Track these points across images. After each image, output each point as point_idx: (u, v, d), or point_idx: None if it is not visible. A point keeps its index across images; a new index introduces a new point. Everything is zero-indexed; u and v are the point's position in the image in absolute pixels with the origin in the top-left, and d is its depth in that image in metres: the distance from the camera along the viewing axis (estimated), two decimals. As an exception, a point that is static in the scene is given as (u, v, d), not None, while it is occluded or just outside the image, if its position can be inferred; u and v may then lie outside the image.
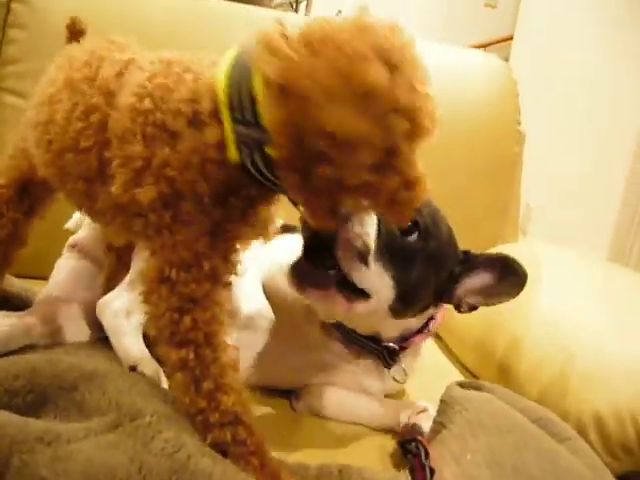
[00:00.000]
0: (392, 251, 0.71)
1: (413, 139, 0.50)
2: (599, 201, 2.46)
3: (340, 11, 3.48)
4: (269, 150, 0.51)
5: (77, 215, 0.93)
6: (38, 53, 1.12)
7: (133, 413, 0.60)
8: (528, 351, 0.93)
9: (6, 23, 1.16)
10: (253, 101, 0.52)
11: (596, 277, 1.09)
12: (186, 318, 0.58)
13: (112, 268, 0.84)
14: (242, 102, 0.53)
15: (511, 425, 0.67)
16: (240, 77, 0.54)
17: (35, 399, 0.63)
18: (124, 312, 0.75)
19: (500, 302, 0.76)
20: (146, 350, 0.74)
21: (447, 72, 1.29)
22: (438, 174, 1.21)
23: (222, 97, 0.55)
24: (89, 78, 0.64)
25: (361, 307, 0.71)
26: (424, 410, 0.79)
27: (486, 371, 1.02)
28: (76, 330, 0.81)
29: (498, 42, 3.53)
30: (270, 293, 0.85)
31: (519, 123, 1.29)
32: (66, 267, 0.86)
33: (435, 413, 0.74)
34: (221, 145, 0.55)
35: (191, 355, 0.58)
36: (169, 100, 0.58)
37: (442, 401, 0.73)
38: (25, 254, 0.79)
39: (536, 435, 0.67)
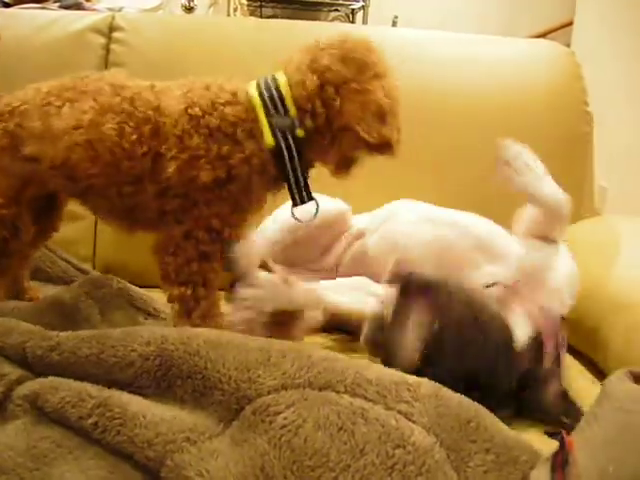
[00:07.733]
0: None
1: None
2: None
3: (396, 17, 3.55)
4: (299, 132, 0.77)
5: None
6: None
7: (251, 394, 0.63)
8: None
9: (107, 62, 1.31)
10: (282, 100, 0.77)
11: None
12: (193, 264, 0.77)
13: None
14: (274, 101, 0.77)
15: None
16: (266, 87, 0.78)
17: (162, 362, 0.67)
18: None
19: None
20: None
21: (511, 63, 1.36)
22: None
23: (256, 100, 0.78)
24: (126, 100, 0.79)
25: None
26: None
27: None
28: None
29: (558, 29, 3.49)
30: None
31: (587, 104, 1.33)
32: None
33: None
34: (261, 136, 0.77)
35: (189, 292, 0.77)
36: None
37: (603, 389, 0.63)
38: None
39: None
